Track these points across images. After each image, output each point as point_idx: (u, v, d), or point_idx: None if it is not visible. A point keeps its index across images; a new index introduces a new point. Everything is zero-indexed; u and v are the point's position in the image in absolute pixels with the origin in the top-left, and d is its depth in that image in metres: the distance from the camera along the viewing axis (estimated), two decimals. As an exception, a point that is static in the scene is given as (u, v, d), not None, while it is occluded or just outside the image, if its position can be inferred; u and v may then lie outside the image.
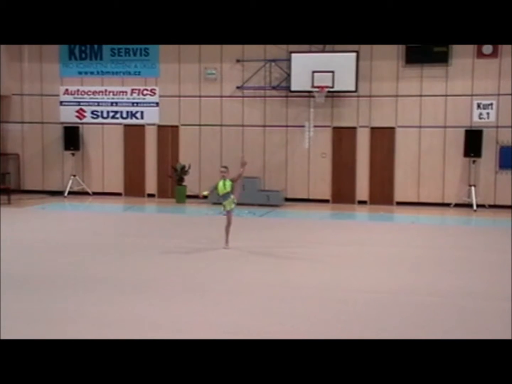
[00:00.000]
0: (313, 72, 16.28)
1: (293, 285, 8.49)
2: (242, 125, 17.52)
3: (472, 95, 16.23)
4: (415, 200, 16.78)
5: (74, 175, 18.05)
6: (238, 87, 17.35)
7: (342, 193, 17.12)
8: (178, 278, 8.96)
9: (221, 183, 10.80)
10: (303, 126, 17.05)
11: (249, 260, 10.16)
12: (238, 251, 10.82)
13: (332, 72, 16.22)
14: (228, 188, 10.74)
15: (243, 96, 17.41)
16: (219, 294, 8.06)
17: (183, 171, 17.27)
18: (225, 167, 11.12)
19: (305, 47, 16.17)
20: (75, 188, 17.99)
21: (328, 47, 16.34)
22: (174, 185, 17.45)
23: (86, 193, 18.08)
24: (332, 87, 16.26)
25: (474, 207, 15.94)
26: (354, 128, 17.00)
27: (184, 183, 17.32)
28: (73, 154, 18.08)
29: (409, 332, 6.36)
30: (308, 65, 16.38)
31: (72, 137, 17.98)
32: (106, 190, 18.20)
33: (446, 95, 16.40)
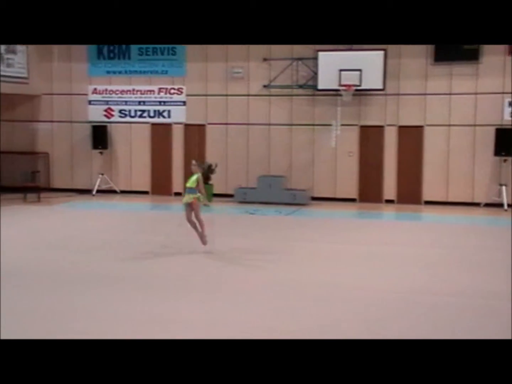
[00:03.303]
0: (340, 70, 16.18)
1: (316, 284, 8.45)
2: (269, 124, 17.50)
3: (503, 93, 15.97)
4: (443, 199, 16.58)
5: (102, 174, 18.22)
6: (264, 86, 17.32)
7: (369, 192, 17.00)
8: (202, 277, 8.98)
9: (193, 178, 10.42)
10: (329, 125, 16.95)
11: (271, 259, 10.14)
12: (262, 249, 10.82)
13: (360, 70, 16.10)
14: (192, 184, 10.30)
15: (269, 95, 17.38)
16: (240, 294, 8.06)
17: (210, 169, 17.29)
18: (197, 161, 10.77)
19: (332, 45, 16.07)
20: (103, 187, 18.15)
21: (355, 45, 16.21)
22: (200, 183, 17.47)
23: (114, 192, 18.24)
24: (359, 85, 16.14)
25: (505, 206, 15.69)
26: (382, 126, 16.86)
27: (210, 182, 17.35)
28: (101, 153, 18.25)
29: (429, 333, 6.29)
30: (335, 64, 16.28)
31: (100, 136, 18.15)
32: (133, 189, 18.33)
33: (476, 93, 16.16)
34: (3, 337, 6.00)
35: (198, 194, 10.31)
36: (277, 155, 17.46)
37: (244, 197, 16.85)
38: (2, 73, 17.13)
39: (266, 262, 9.90)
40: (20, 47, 17.76)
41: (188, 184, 10.33)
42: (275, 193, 16.62)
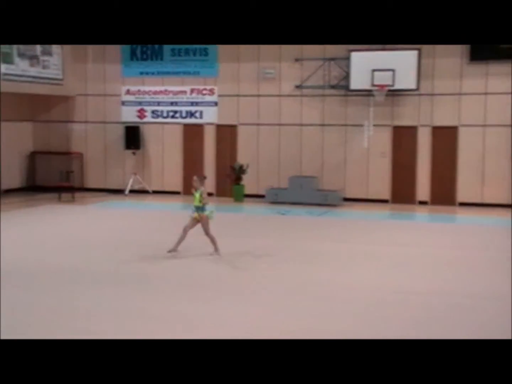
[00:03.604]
0: (373, 70, 16.04)
1: (344, 286, 8.39)
2: (300, 124, 17.44)
3: (540, 93, 15.66)
4: (478, 201, 16.31)
5: (135, 174, 18.38)
6: (296, 86, 17.27)
7: (402, 193, 16.81)
8: (231, 278, 8.98)
9: (196, 195, 10.12)
10: (362, 125, 16.82)
11: (300, 259, 10.10)
12: (291, 250, 10.79)
13: (393, 70, 15.94)
14: (197, 203, 10.03)
15: (301, 95, 17.33)
16: (272, 295, 8.04)
17: (241, 170, 17.34)
18: (199, 176, 10.34)
19: (365, 45, 15.94)
20: (136, 187, 18.31)
21: (388, 45, 16.03)
22: (232, 184, 17.53)
23: (146, 192, 18.39)
24: (393, 85, 15.98)
25: (541, 208, 15.39)
26: (415, 127, 16.66)
27: (242, 182, 17.38)
28: (133, 153, 18.41)
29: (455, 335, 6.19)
30: (367, 64, 16.15)
31: (133, 137, 18.32)
32: (165, 189, 18.45)
33: (512, 93, 15.86)
34: (38, 336, 6.08)
35: (207, 211, 10.13)
36: (308, 155, 17.40)
37: (275, 197, 16.83)
38: (38, 75, 17.42)
39: (294, 262, 9.87)
40: (55, 49, 18.03)
41: (195, 203, 10.10)
42: (307, 193, 16.56)
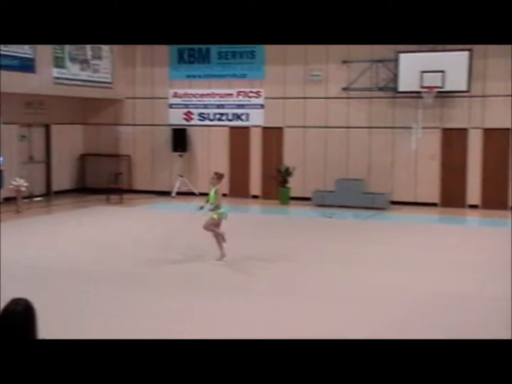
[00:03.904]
0: (422, 72, 15.78)
1: (388, 289, 8.26)
2: (347, 127, 17.29)
3: None
4: (531, 205, 15.85)
5: (182, 176, 18.53)
6: (343, 88, 17.13)
7: (451, 196, 16.47)
8: (275, 280, 8.95)
9: (211, 192, 10.10)
10: (410, 128, 16.55)
11: (343, 262, 10.00)
12: (335, 252, 10.70)
13: (442, 71, 15.64)
14: (213, 201, 9.96)
15: (348, 98, 17.18)
16: (312, 297, 7.98)
17: (287, 172, 17.29)
18: (216, 173, 10.25)
19: (414, 46, 15.67)
20: (182, 189, 18.46)
21: (438, 45, 15.75)
22: (278, 186, 17.50)
23: (193, 194, 18.51)
24: (442, 87, 15.68)
25: None
26: (465, 129, 16.31)
27: (288, 185, 17.33)
28: (180, 156, 18.57)
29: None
30: (416, 65, 15.89)
31: (180, 139, 18.48)
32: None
33: None
34: (88, 335, 6.17)
35: (221, 211, 9.99)
36: (355, 158, 17.23)
37: (322, 200, 16.71)
38: (89, 79, 17.76)
39: (339, 265, 9.77)
40: (105, 53, 18.36)
41: (210, 201, 10.00)
42: (353, 196, 16.39)
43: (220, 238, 10.01)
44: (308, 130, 17.65)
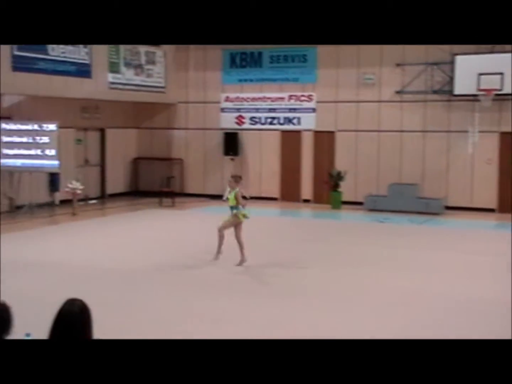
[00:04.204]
0: (479, 74, 15.40)
1: (436, 296, 8.07)
2: (401, 131, 17.02)
3: None
4: None
5: (233, 180, 18.56)
6: (397, 92, 16.89)
7: (510, 202, 15.99)
8: (333, 285, 8.86)
9: (231, 195, 10.02)
10: (466, 131, 16.17)
11: (393, 267, 9.83)
12: (386, 257, 10.53)
13: (501, 73, 15.23)
14: (232, 202, 9.91)
15: (402, 101, 16.92)
16: (359, 302, 7.86)
17: (339, 177, 17.14)
18: (233, 176, 10.32)
19: (471, 48, 15.31)
20: (234, 192, 18.48)
21: (497, 46, 15.35)
22: (329, 190, 17.36)
23: (244, 198, 18.50)
24: (501, 89, 15.26)
25: None
26: (524, 133, 15.84)
27: (339, 189, 17.18)
28: (232, 159, 18.64)
29: None
30: (473, 67, 15.52)
31: (231, 143, 18.56)
32: (262, 195, 18.53)
33: None
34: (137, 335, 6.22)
35: (241, 210, 9.92)
36: (409, 162, 16.94)
37: (374, 205, 16.49)
38: (142, 83, 18.03)
39: (391, 270, 9.61)
40: (159, 58, 18.61)
41: (230, 203, 9.97)
42: (407, 201, 16.12)
43: (222, 240, 9.96)
44: (361, 134, 17.46)
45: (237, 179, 10.18)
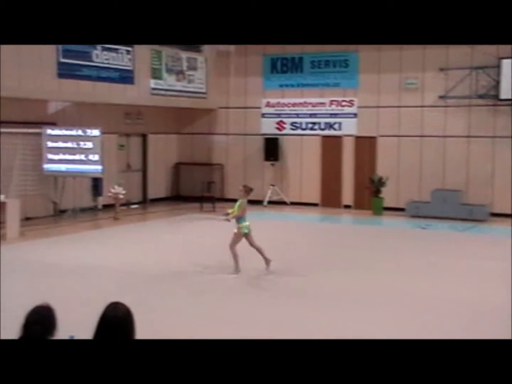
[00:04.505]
0: (526, 78, 15.05)
1: (475, 306, 7.85)
2: (444, 136, 16.74)
3: None
4: None
5: (273, 185, 18.56)
6: (440, 97, 16.62)
7: (557, 209, 15.55)
8: (374, 291, 8.74)
9: (237, 204, 9.80)
10: (512, 137, 15.80)
11: (435, 276, 9.64)
12: (427, 266, 10.34)
13: (548, 77, 14.86)
14: (236, 212, 9.68)
15: (445, 106, 16.64)
16: (394, 309, 7.73)
17: (381, 182, 16.94)
18: (245, 186, 10.02)
19: (518, 51, 14.98)
20: (274, 198, 18.48)
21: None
22: (371, 196, 17.18)
23: (284, 203, 18.50)
24: (548, 93, 14.88)
25: None
26: None
27: (381, 195, 16.98)
28: (272, 165, 18.62)
29: None
30: (520, 71, 15.17)
31: (272, 148, 18.53)
32: (303, 200, 18.45)
33: None
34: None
35: (245, 223, 9.72)
36: (452, 168, 16.64)
37: (417, 211, 16.24)
38: (184, 89, 18.17)
39: (430, 278, 9.46)
40: (200, 64, 18.74)
41: (234, 213, 9.76)
42: (450, 207, 15.83)
43: (237, 257, 9.73)
44: (403, 139, 17.24)
45: (248, 190, 9.95)
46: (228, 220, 9.89)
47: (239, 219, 9.74)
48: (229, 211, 9.97)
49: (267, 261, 9.82)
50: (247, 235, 9.78)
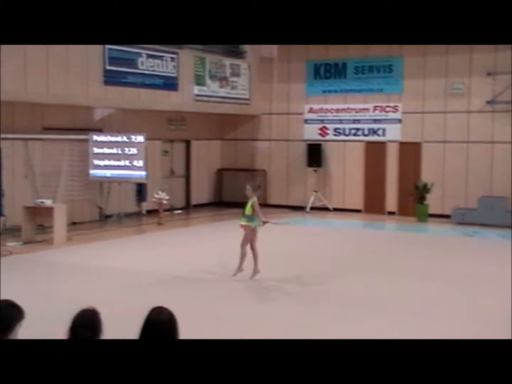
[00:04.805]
0: None
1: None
2: (492, 142, 16.39)
3: None
4: None
5: (316, 191, 18.48)
6: (487, 102, 16.28)
7: None
8: (405, 299, 8.60)
9: (249, 203, 9.62)
10: None
11: (474, 285, 9.40)
12: (472, 275, 10.10)
13: None
14: (248, 212, 9.52)
15: (493, 111, 16.30)
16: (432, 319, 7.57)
17: (425, 189, 16.69)
18: (251, 185, 9.87)
19: None
20: (317, 204, 18.39)
21: None
22: (415, 203, 16.93)
23: (327, 209, 18.39)
24: None
25: None
26: None
27: (426, 202, 16.72)
28: (315, 171, 18.54)
29: None
30: None
31: (314, 154, 18.47)
32: (346, 207, 18.32)
33: None
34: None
35: (256, 222, 9.56)
36: (500, 174, 16.27)
37: (463, 218, 15.93)
38: (227, 95, 18.27)
39: (467, 287, 9.23)
40: (243, 70, 18.82)
41: (246, 212, 9.61)
42: (498, 215, 15.48)
43: (244, 257, 9.57)
44: (448, 145, 16.95)
45: (254, 187, 9.85)
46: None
47: (253, 217, 9.59)
48: (247, 212, 9.72)
49: (255, 269, 9.57)
50: (255, 235, 9.59)
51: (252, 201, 9.60)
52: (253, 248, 9.68)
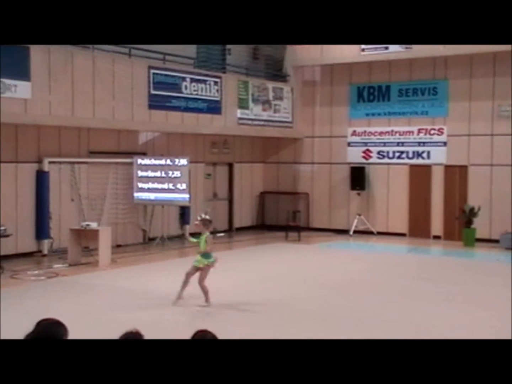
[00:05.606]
0: None
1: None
2: (541, 165, 15.98)
3: None
4: None
5: (359, 214, 18.29)
6: (536, 124, 15.92)
7: None
8: (446, 325, 8.35)
9: (202, 239, 9.28)
10: None
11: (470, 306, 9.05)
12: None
13: None
14: (203, 248, 9.18)
15: (542, 133, 15.92)
16: None
17: (472, 212, 16.33)
18: (202, 220, 9.38)
19: None
20: (360, 227, 18.19)
21: None
22: (462, 227, 16.57)
23: (371, 233, 18.16)
24: None
25: None
26: None
27: (473, 226, 16.35)
28: (358, 194, 18.37)
29: None
30: None
31: (358, 177, 18.31)
32: (390, 230, 18.06)
33: None
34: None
35: (213, 259, 9.24)
36: (550, 198, 15.81)
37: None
38: (270, 118, 18.34)
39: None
40: (286, 94, 18.87)
41: (201, 248, 9.23)
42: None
43: (186, 285, 9.27)
44: (495, 168, 16.59)
45: (205, 222, 9.40)
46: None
47: (206, 254, 9.26)
48: (191, 239, 9.58)
49: (206, 299, 9.30)
50: (204, 270, 9.25)
51: (205, 236, 9.31)
52: (201, 285, 9.29)
